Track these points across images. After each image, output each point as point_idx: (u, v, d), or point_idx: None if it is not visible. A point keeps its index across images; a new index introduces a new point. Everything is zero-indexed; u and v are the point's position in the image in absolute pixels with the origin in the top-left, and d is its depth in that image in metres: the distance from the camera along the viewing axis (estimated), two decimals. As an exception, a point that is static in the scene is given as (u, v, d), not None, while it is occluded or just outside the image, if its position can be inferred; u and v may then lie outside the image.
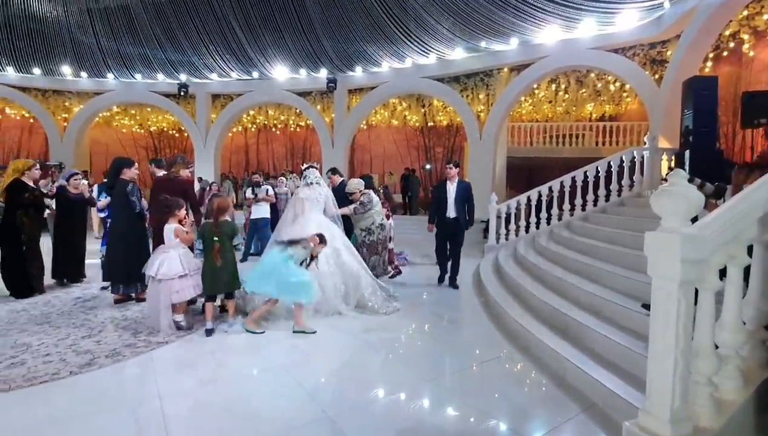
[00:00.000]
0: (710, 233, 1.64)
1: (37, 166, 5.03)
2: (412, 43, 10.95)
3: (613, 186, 7.11)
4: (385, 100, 13.79)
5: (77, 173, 5.70)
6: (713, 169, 5.34)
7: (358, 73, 12.70)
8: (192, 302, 4.27)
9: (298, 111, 15.40)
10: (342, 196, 5.68)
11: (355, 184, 5.68)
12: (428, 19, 9.99)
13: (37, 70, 13.64)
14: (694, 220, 1.68)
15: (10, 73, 13.71)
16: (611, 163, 7.18)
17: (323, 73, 12.83)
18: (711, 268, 1.70)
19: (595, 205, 7.14)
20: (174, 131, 18.16)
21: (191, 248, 4.21)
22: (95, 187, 5.97)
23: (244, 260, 6.82)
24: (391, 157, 16.72)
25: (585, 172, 7.30)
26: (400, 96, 14.17)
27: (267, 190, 7.34)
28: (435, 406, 2.66)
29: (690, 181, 1.71)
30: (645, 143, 7.27)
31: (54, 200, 5.30)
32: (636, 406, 2.04)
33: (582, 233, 6.05)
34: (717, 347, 1.80)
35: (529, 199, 7.63)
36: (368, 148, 16.96)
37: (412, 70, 11.98)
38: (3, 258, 4.76)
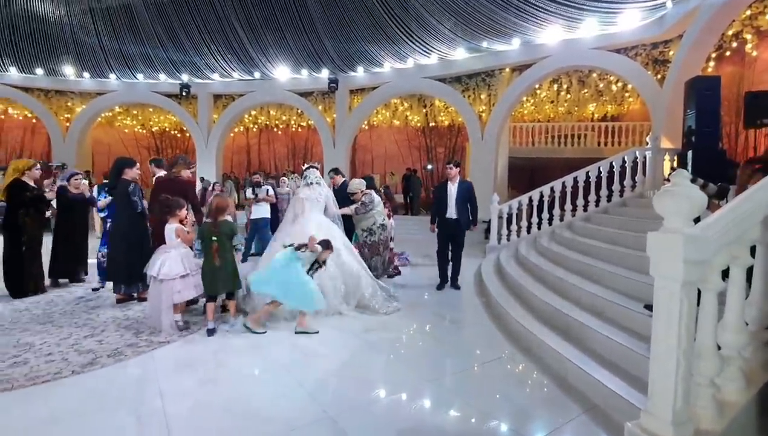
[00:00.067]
0: (713, 234, 1.63)
1: (38, 166, 5.03)
2: (413, 43, 10.94)
3: (615, 186, 7.09)
4: (387, 100, 13.79)
5: (78, 173, 5.72)
6: (716, 170, 5.33)
7: (359, 74, 12.71)
8: (193, 302, 4.29)
9: (299, 111, 15.42)
10: (344, 196, 5.68)
11: (357, 185, 5.69)
12: (430, 19, 9.98)
13: (39, 71, 13.70)
14: (697, 220, 1.67)
15: (13, 73, 13.77)
16: (613, 163, 7.16)
17: (325, 74, 12.84)
18: (714, 268, 1.69)
19: (596, 205, 7.12)
20: (176, 131, 18.20)
21: (191, 248, 4.21)
22: (95, 188, 5.98)
23: (244, 260, 6.83)
24: (392, 158, 16.73)
25: (587, 173, 7.28)
26: (401, 96, 14.17)
27: (267, 190, 7.34)
28: (436, 406, 2.65)
29: (693, 181, 1.70)
30: (647, 143, 7.25)
31: (55, 200, 5.31)
32: (638, 407, 2.04)
33: (584, 233, 6.04)
34: (719, 348, 1.79)
35: (530, 200, 7.62)
36: (370, 149, 16.96)
37: (413, 70, 11.98)
38: (4, 257, 4.77)
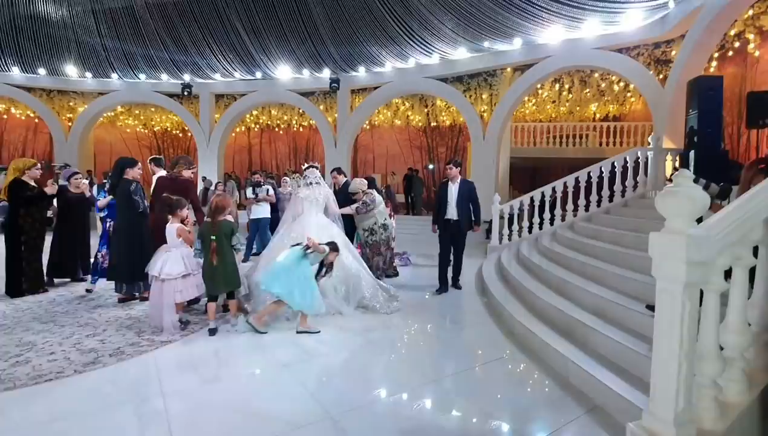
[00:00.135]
0: (716, 234, 1.63)
1: (38, 165, 5.02)
2: (415, 43, 10.93)
3: (617, 187, 7.08)
4: (388, 100, 13.79)
5: (78, 173, 5.73)
6: (718, 170, 5.32)
7: (361, 74, 12.71)
8: (195, 301, 4.29)
9: (301, 111, 15.43)
10: (346, 195, 5.69)
11: (358, 184, 5.69)
12: (431, 18, 9.98)
13: (42, 71, 13.73)
14: (699, 221, 1.67)
15: (16, 73, 13.81)
16: (615, 163, 7.15)
17: (326, 74, 12.84)
18: (716, 269, 1.69)
19: (598, 206, 7.11)
20: (178, 131, 18.23)
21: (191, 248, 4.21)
22: (95, 188, 5.98)
23: (246, 259, 6.84)
24: (393, 158, 16.72)
25: (588, 173, 7.27)
26: (403, 96, 14.17)
27: (267, 190, 7.35)
28: (437, 406, 2.65)
29: (695, 181, 1.69)
30: (649, 144, 7.23)
31: (55, 200, 5.31)
32: (640, 408, 2.03)
33: (585, 233, 6.03)
34: (722, 349, 1.78)
35: (532, 200, 7.61)
36: (371, 148, 16.96)
37: (415, 70, 11.98)
38: (6, 256, 4.79)
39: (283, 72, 13.17)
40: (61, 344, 3.43)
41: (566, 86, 12.86)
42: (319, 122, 13.75)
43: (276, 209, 7.53)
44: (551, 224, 7.36)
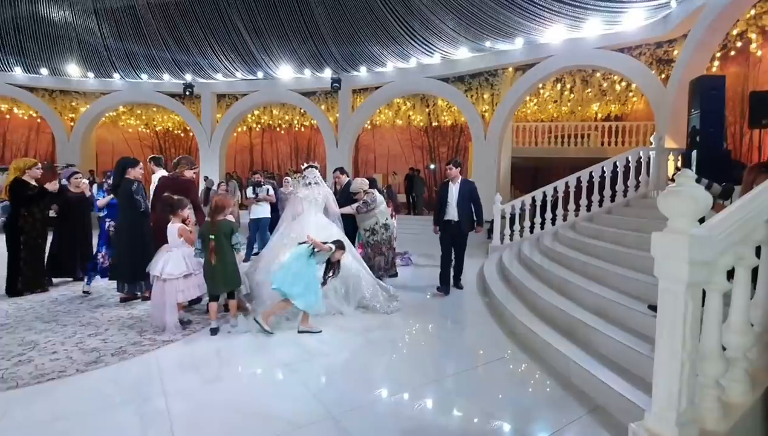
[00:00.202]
0: (718, 234, 1.62)
1: (38, 165, 5.02)
2: (416, 42, 10.94)
3: (619, 187, 7.07)
4: (390, 100, 13.80)
5: (78, 172, 5.73)
6: (720, 170, 5.30)
7: (362, 73, 12.72)
8: (196, 301, 4.30)
9: (302, 111, 15.45)
10: (348, 195, 5.69)
11: (359, 184, 5.68)
12: (433, 18, 9.98)
13: (44, 71, 13.78)
14: (702, 221, 1.66)
15: (18, 73, 13.86)
16: (617, 163, 7.13)
17: (327, 73, 12.85)
18: (719, 269, 1.68)
19: (600, 205, 7.09)
20: (179, 131, 18.27)
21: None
22: (94, 187, 5.98)
23: (247, 259, 6.84)
24: (395, 157, 16.73)
25: (590, 173, 7.25)
26: (404, 96, 14.17)
27: (267, 189, 7.37)
28: (439, 406, 2.65)
29: (697, 181, 1.69)
30: (651, 143, 7.21)
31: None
32: (642, 408, 2.03)
33: (587, 233, 6.02)
34: (724, 349, 1.78)
35: (533, 200, 7.60)
36: (372, 148, 16.97)
37: (416, 70, 11.98)
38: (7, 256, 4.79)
39: (285, 72, 13.18)
40: (64, 343, 3.44)
41: (568, 86, 12.85)
42: (320, 122, 13.76)
43: (276, 209, 7.53)
44: (553, 223, 7.35)
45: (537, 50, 10.03)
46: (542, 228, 7.45)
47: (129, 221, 4.54)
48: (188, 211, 4.08)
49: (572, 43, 9.48)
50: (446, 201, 5.27)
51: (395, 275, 6.10)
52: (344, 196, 5.76)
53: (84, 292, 4.91)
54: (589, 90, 12.69)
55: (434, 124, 15.87)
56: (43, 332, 3.68)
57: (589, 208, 7.18)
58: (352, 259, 4.69)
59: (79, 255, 5.42)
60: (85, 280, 5.01)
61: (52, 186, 4.89)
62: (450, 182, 5.35)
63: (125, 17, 11.87)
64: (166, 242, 3.88)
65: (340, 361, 3.35)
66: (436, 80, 11.78)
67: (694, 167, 5.90)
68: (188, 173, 4.83)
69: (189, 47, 12.48)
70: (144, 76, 14.10)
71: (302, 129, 17.73)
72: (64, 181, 5.55)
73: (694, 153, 6.15)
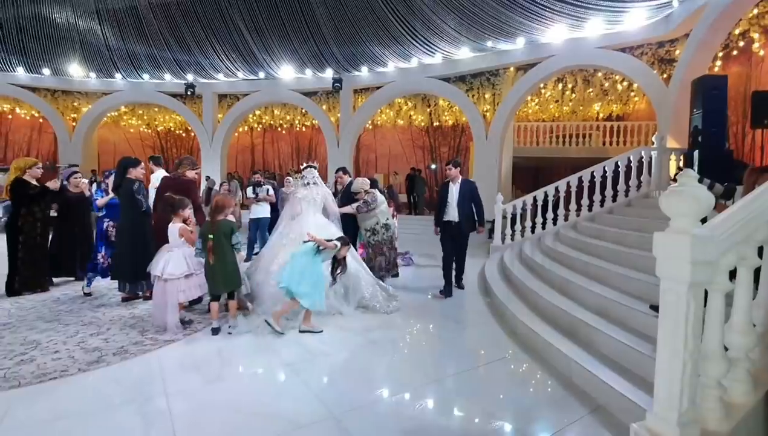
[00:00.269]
0: (720, 234, 1.62)
1: (39, 164, 5.02)
2: (417, 42, 10.93)
3: (621, 186, 7.06)
4: (391, 99, 13.79)
5: (77, 172, 5.74)
6: (723, 170, 5.29)
7: (363, 73, 12.71)
8: (197, 300, 4.30)
9: (303, 111, 15.44)
10: (350, 195, 5.69)
11: (360, 184, 5.68)
12: (434, 18, 9.97)
13: (46, 71, 13.81)
14: (704, 221, 1.66)
15: (20, 73, 13.89)
16: (618, 163, 7.12)
17: (329, 73, 12.85)
18: (721, 269, 1.68)
19: (602, 205, 7.09)
20: (181, 131, 18.29)
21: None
22: (93, 187, 5.98)
23: (248, 259, 6.85)
24: (396, 157, 16.72)
25: (592, 173, 7.25)
26: (405, 96, 14.16)
27: (267, 189, 7.38)
28: (440, 406, 2.65)
29: (699, 181, 1.69)
30: (653, 143, 7.21)
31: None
32: (643, 408, 2.02)
33: (589, 233, 6.01)
34: (726, 349, 1.78)
35: (535, 200, 7.60)
36: (373, 148, 16.97)
37: (417, 69, 11.97)
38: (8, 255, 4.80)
39: (286, 72, 13.19)
40: (66, 342, 3.45)
41: (569, 86, 12.82)
42: (321, 122, 13.76)
43: (276, 209, 7.55)
44: (554, 223, 7.35)
45: (538, 50, 10.02)
46: (543, 228, 7.44)
47: (130, 221, 4.55)
48: (189, 212, 4.08)
49: (574, 42, 9.46)
50: (446, 201, 5.25)
51: (397, 275, 6.09)
52: (346, 196, 5.76)
53: (84, 294, 4.90)
54: (591, 90, 12.66)
55: (435, 124, 15.86)
56: (45, 331, 3.69)
57: (590, 208, 7.17)
58: (351, 259, 4.69)
59: (79, 255, 5.43)
60: (85, 281, 4.99)
61: (53, 184, 4.89)
62: (450, 182, 5.33)
63: (127, 17, 11.89)
64: (167, 241, 3.89)
65: (341, 361, 3.35)
66: (438, 80, 11.77)
67: (696, 167, 5.89)
68: (190, 174, 4.83)
69: (190, 47, 12.50)
70: (146, 77, 14.12)
71: (303, 129, 17.73)
72: (63, 181, 5.56)
73: (696, 153, 6.14)
